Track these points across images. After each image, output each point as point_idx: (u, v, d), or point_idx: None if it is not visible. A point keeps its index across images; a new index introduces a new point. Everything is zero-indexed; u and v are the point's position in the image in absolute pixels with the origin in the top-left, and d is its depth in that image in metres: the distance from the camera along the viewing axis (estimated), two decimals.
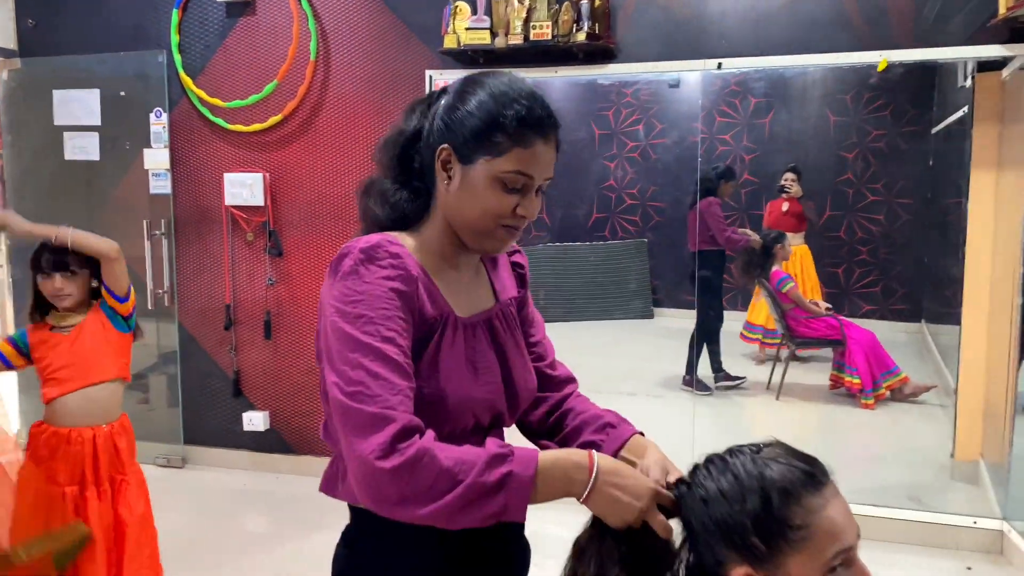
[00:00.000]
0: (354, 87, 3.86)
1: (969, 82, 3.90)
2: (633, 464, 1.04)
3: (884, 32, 3.31)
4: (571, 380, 1.27)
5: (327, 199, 3.93)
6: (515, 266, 1.26)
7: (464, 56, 3.59)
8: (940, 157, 6.95)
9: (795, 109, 8.17)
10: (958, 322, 4.07)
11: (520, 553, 1.18)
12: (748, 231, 5.70)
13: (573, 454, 0.98)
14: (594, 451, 0.99)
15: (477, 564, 1.09)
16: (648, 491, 0.95)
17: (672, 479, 0.99)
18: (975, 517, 3.17)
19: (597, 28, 3.45)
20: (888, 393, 5.05)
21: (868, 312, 7.63)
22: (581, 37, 3.40)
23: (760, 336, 6.25)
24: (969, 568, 2.92)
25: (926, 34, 3.26)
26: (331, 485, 1.12)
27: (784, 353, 5.48)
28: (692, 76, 7.76)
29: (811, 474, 0.89)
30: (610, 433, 1.16)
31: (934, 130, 7.12)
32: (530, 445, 1.22)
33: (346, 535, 1.14)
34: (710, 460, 0.95)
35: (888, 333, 5.39)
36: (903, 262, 7.95)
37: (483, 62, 3.62)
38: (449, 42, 3.52)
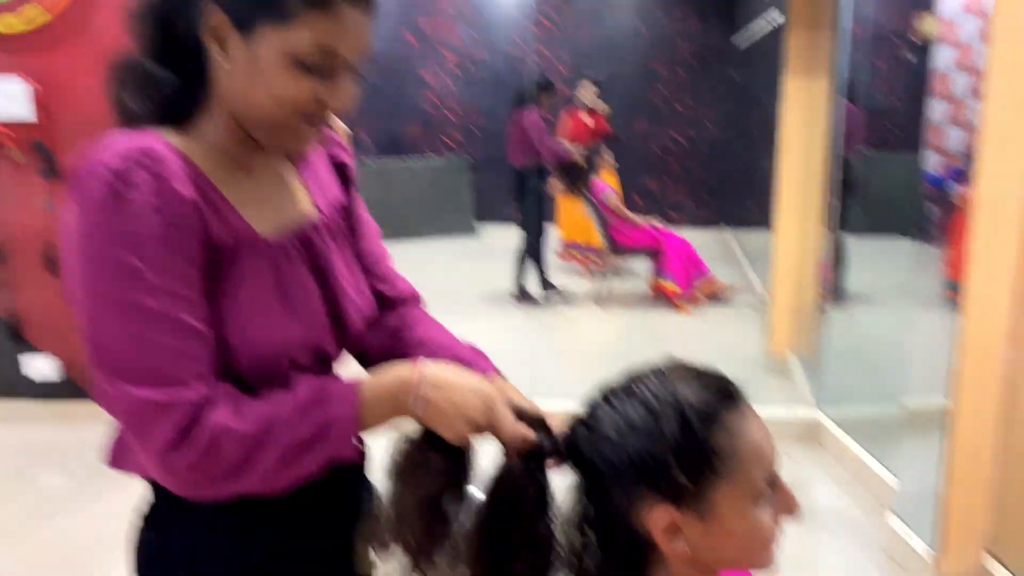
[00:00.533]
0: None
1: None
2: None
3: None
4: (414, 298, 1.05)
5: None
6: (336, 163, 1.01)
7: None
8: (747, 69, 7.25)
9: (610, 22, 8.19)
10: (766, 227, 4.27)
11: (364, 499, 1.00)
12: (567, 143, 5.67)
13: (398, 370, 0.81)
14: (422, 360, 0.82)
15: (313, 529, 0.90)
16: (489, 398, 0.80)
17: (556, 423, 0.84)
18: (791, 407, 3.37)
19: None
20: (703, 298, 5.30)
21: (678, 220, 7.99)
22: None
23: (577, 253, 6.35)
24: (787, 455, 3.12)
25: None
26: (120, 457, 0.87)
27: (607, 262, 5.58)
28: None
29: (727, 391, 0.77)
30: (471, 367, 0.96)
31: (741, 44, 7.37)
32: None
33: (150, 515, 0.90)
34: (610, 392, 0.80)
35: (697, 240, 5.62)
36: (712, 172, 8.36)
37: None
38: None
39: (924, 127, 6.96)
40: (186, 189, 0.77)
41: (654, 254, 5.31)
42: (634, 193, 7.49)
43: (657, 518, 0.74)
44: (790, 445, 3.22)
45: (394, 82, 8.10)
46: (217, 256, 0.80)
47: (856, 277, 4.93)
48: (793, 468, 3.04)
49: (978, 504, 2.19)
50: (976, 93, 5.82)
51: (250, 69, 0.77)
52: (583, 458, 0.78)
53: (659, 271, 5.29)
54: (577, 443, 0.79)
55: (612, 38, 8.21)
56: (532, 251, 5.33)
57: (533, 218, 5.27)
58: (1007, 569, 2.12)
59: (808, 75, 3.73)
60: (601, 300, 5.44)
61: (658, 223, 5.46)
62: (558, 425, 0.82)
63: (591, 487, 0.78)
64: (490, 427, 0.80)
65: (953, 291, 4.34)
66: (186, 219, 0.76)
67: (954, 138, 6.44)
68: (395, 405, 0.80)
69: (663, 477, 0.73)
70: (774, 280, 4.03)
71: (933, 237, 5.18)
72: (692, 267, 5.23)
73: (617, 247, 5.38)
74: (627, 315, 5.21)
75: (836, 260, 4.51)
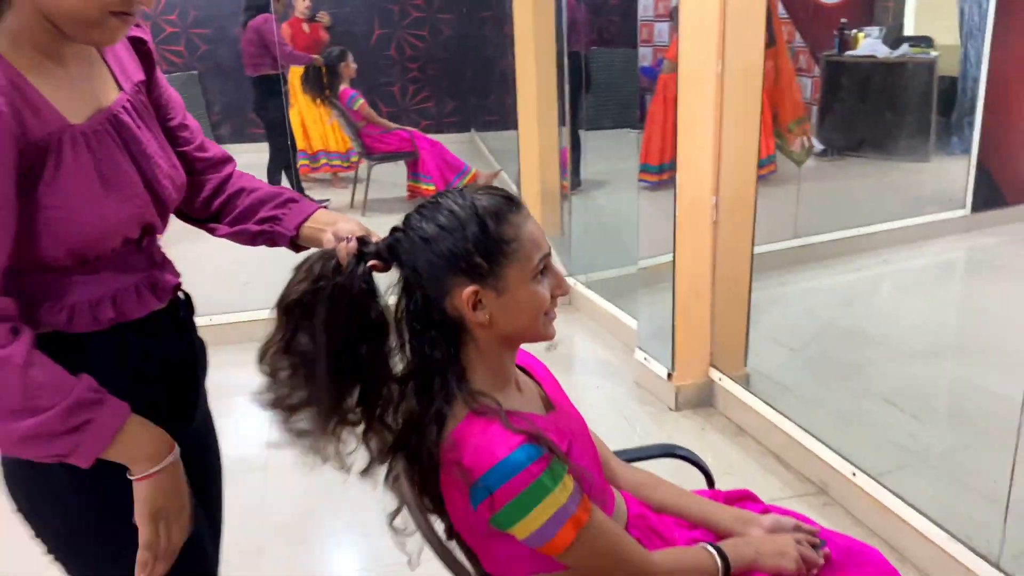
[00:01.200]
0: None
1: None
2: (326, 229, 1.04)
3: None
4: (228, 159, 1.13)
5: None
6: (135, 43, 1.04)
7: None
8: None
9: None
10: (506, 127, 4.55)
11: (201, 355, 1.11)
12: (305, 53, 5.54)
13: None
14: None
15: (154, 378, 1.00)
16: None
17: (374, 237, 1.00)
18: None
19: None
20: None
21: (426, 128, 8.14)
22: None
23: (325, 161, 6.28)
24: None
25: None
26: None
27: (363, 170, 5.63)
28: None
29: (510, 198, 0.99)
30: (292, 207, 1.10)
31: None
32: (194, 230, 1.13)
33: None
34: (420, 207, 0.98)
35: (447, 144, 5.81)
36: (451, 76, 8.53)
37: None
38: None
39: (637, 23, 7.59)
40: (3, 96, 0.79)
41: (409, 156, 5.44)
42: (377, 99, 7.48)
43: (465, 295, 0.95)
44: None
45: None
46: (34, 151, 0.83)
47: (592, 166, 5.44)
48: (559, 321, 3.43)
49: (700, 331, 2.67)
50: None
51: None
52: (403, 260, 0.96)
53: (414, 174, 5.44)
54: (397, 248, 0.97)
55: None
56: (284, 163, 5.23)
57: (279, 130, 5.16)
58: (723, 374, 2.64)
59: None
60: (361, 207, 5.51)
61: (409, 128, 5.58)
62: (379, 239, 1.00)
63: (410, 284, 0.97)
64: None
65: (646, 172, 4.95)
66: (3, 111, 0.79)
67: (659, 31, 7.12)
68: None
69: (468, 263, 0.94)
70: (522, 173, 4.35)
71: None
72: (447, 167, 5.43)
73: (371, 152, 5.44)
74: (389, 220, 5.33)
75: (573, 151, 4.95)
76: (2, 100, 0.80)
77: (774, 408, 2.42)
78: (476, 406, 0.97)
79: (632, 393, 2.82)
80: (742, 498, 1.29)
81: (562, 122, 4.24)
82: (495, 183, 5.59)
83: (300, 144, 6.05)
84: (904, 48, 6.27)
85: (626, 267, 3.46)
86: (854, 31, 6.56)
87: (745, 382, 2.63)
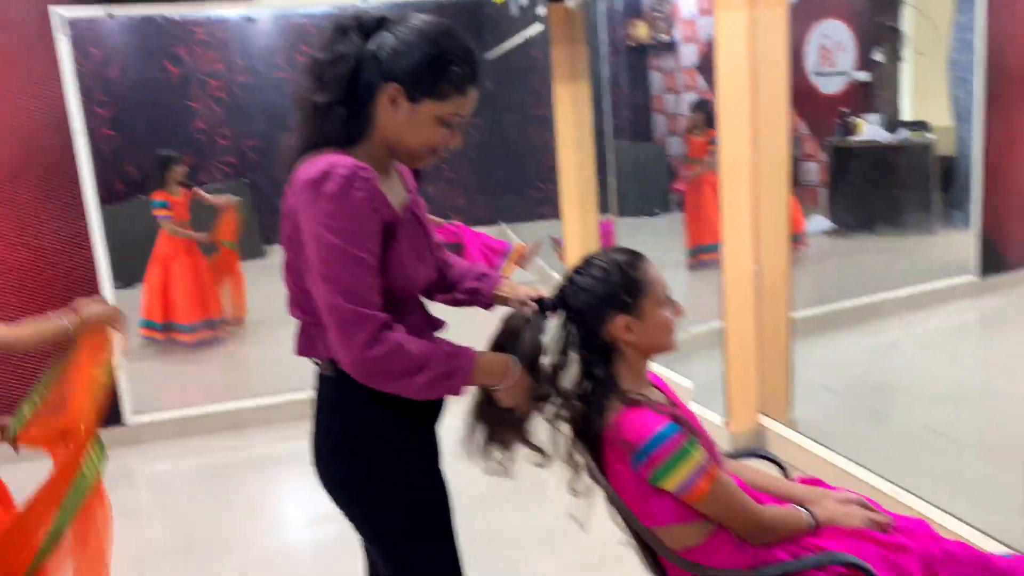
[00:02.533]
0: None
1: (542, 10, 4.77)
2: (512, 294, 1.48)
3: None
4: (440, 244, 1.59)
5: None
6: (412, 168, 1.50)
7: None
8: (502, 78, 8.10)
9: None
10: (535, 218, 5.00)
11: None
12: None
13: (502, 359, 1.35)
14: (511, 360, 1.36)
15: (429, 415, 1.42)
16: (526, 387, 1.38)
17: (546, 292, 1.44)
18: None
19: None
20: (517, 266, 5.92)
21: (462, 221, 8.69)
22: None
23: None
24: None
25: None
26: (305, 348, 1.34)
27: None
28: (265, 12, 7.80)
29: (637, 253, 1.43)
30: (484, 280, 1.55)
31: (490, 55, 8.20)
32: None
33: (328, 402, 1.36)
34: (577, 269, 1.42)
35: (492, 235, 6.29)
36: (482, 173, 9.16)
37: None
38: None
39: (657, 118, 8.22)
40: (377, 190, 1.23)
41: (456, 248, 5.92)
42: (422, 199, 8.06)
43: (618, 323, 1.38)
44: None
45: (161, 112, 8.01)
46: (387, 232, 1.26)
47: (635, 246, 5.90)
48: None
49: (749, 384, 3.04)
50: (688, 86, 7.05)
51: (412, 123, 1.27)
52: (569, 303, 1.39)
53: None
54: (565, 296, 1.40)
55: None
56: None
57: None
58: (772, 419, 3.01)
59: (572, 81, 4.54)
60: None
61: (455, 220, 6.09)
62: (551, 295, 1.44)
63: (575, 320, 1.39)
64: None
65: (692, 256, 5.42)
66: (377, 207, 1.23)
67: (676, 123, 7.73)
68: (490, 379, 1.34)
69: (617, 300, 1.37)
70: (567, 260, 4.82)
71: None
72: (491, 252, 5.91)
73: None
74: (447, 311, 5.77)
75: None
76: (380, 200, 1.24)
77: (821, 444, 2.78)
78: (629, 400, 1.37)
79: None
80: (816, 482, 1.66)
81: (602, 210, 4.74)
82: (531, 251, 6.05)
83: None
84: (902, 132, 6.83)
85: (680, 334, 3.86)
86: (855, 118, 7.14)
87: (792, 426, 2.99)
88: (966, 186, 5.23)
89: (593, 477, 1.44)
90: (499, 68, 8.08)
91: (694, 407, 3.22)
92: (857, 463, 2.62)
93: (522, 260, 6.04)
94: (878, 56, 7.52)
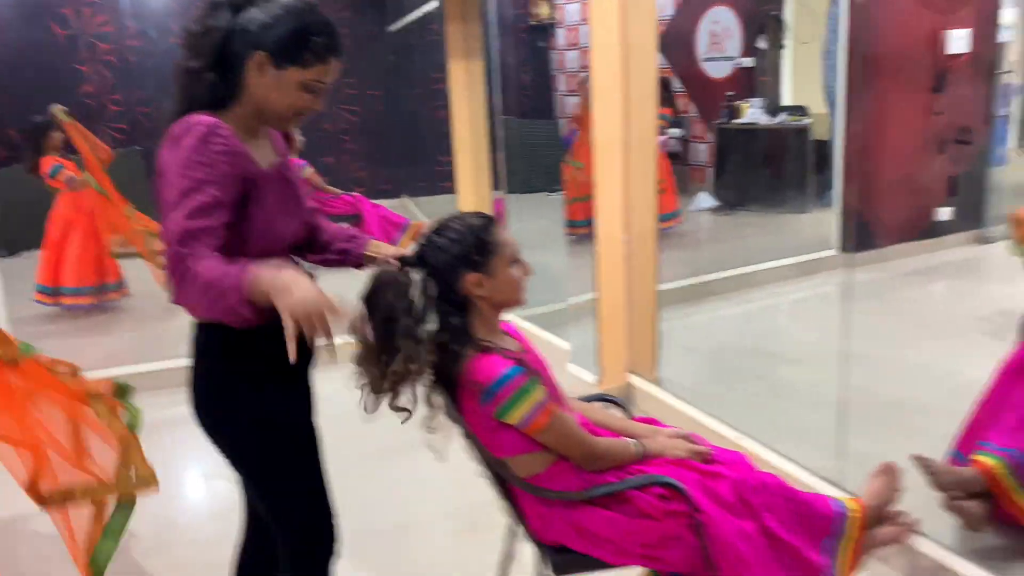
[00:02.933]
0: None
1: None
2: (377, 254, 1.64)
3: None
4: (314, 208, 1.72)
5: None
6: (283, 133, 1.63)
7: None
8: (401, 52, 8.15)
9: None
10: (436, 192, 5.16)
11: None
12: None
13: (273, 273, 1.33)
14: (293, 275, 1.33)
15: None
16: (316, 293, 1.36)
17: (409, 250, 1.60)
18: None
19: None
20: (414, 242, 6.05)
21: (362, 194, 8.71)
22: None
23: None
24: None
25: None
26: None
27: None
28: None
29: (490, 217, 1.61)
30: (354, 241, 1.69)
31: (392, 28, 8.24)
32: None
33: (201, 348, 1.48)
34: (435, 230, 1.58)
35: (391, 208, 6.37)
36: (384, 146, 9.19)
37: None
38: None
39: (555, 97, 8.46)
40: (237, 146, 1.37)
41: (355, 220, 5.99)
42: (315, 170, 8.05)
43: (471, 279, 1.55)
44: None
45: (45, 76, 7.70)
46: (248, 184, 1.40)
47: (521, 223, 6.12)
48: None
49: (619, 346, 3.29)
50: (584, 67, 7.31)
51: (278, 88, 1.40)
52: (428, 261, 1.56)
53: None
54: (425, 255, 1.58)
55: None
56: None
57: None
58: (640, 378, 3.28)
59: (466, 58, 4.68)
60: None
61: (355, 192, 6.15)
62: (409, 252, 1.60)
63: (434, 276, 1.56)
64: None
65: (570, 228, 5.65)
66: (233, 161, 1.36)
67: (571, 104, 7.98)
68: (268, 295, 1.30)
69: (470, 259, 1.55)
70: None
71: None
72: (390, 225, 6.01)
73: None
74: (338, 279, 5.85)
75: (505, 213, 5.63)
76: (240, 154, 1.37)
77: (681, 399, 3.06)
78: (480, 348, 1.56)
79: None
80: (651, 421, 1.90)
81: (494, 186, 4.92)
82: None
83: None
84: (782, 116, 7.28)
85: (558, 304, 4.11)
86: (739, 102, 7.55)
87: (658, 384, 3.27)
88: (842, 167, 5.66)
89: (450, 416, 1.62)
90: (401, 41, 8.13)
91: (571, 368, 3.47)
92: (711, 415, 2.91)
93: (419, 236, 6.14)
94: (762, 43, 7.96)
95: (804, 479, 2.43)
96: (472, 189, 4.91)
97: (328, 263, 1.71)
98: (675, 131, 7.28)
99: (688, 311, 4.47)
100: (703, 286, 4.76)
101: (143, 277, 4.92)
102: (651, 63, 3.03)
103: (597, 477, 1.63)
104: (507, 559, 1.94)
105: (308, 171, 5.91)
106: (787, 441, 2.68)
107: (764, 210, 6.85)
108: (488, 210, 4.94)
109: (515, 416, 1.52)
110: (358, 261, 1.70)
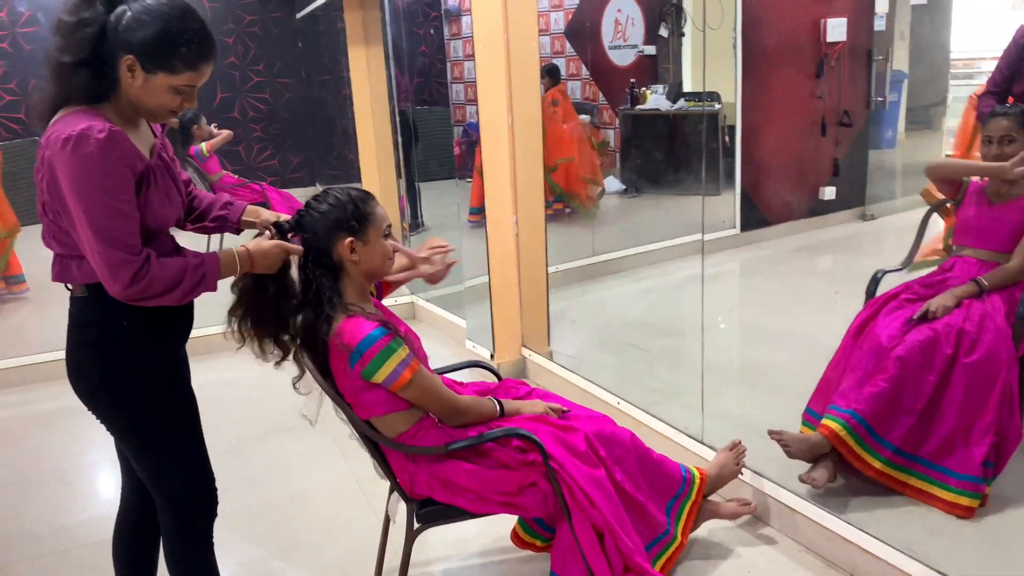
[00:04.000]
0: None
1: None
2: (256, 218, 1.73)
3: None
4: (189, 180, 1.78)
5: None
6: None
7: None
8: (309, 39, 8.09)
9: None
10: (349, 179, 5.21)
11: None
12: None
13: (229, 255, 1.57)
14: (240, 249, 1.58)
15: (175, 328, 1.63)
16: (277, 244, 1.63)
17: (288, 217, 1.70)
18: (395, 298, 4.43)
19: None
20: None
21: (273, 183, 8.64)
22: None
23: None
24: None
25: None
26: (62, 275, 1.52)
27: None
28: None
29: (367, 191, 1.71)
30: (231, 208, 1.77)
31: (299, 14, 8.17)
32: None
33: (77, 319, 1.54)
34: (316, 196, 1.68)
35: (301, 196, 6.36)
36: (293, 135, 9.12)
37: None
38: None
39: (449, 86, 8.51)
40: (131, 148, 1.42)
41: (263, 207, 5.97)
42: (224, 159, 7.95)
43: (345, 244, 1.65)
44: (406, 320, 4.28)
45: None
46: (139, 177, 1.46)
47: (426, 211, 6.22)
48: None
49: (512, 323, 3.43)
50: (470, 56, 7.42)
51: (148, 90, 1.44)
52: (306, 228, 1.66)
53: None
54: (303, 220, 1.67)
55: None
56: None
57: None
58: (532, 351, 3.43)
59: (367, 45, 4.73)
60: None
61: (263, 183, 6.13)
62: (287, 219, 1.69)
63: (309, 241, 1.66)
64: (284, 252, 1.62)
65: (473, 214, 5.77)
66: (131, 163, 1.42)
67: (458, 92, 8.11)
68: (234, 269, 1.57)
69: (346, 224, 1.65)
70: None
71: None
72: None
73: None
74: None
75: (410, 199, 5.73)
76: (131, 154, 1.43)
77: (570, 371, 3.23)
78: (350, 311, 1.67)
79: (465, 374, 3.55)
80: (519, 385, 2.04)
81: (399, 174, 4.99)
82: None
83: None
84: (681, 102, 7.55)
85: (456, 286, 4.24)
86: (642, 89, 7.79)
87: (550, 357, 3.43)
88: (738, 151, 5.92)
89: (316, 378, 1.72)
90: (310, 28, 8.07)
91: (469, 345, 3.60)
92: (595, 384, 3.08)
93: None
94: (663, 31, 8.22)
95: (671, 436, 2.62)
96: (377, 177, 4.97)
97: (207, 230, 1.79)
98: (584, 117, 7.46)
99: (587, 288, 4.66)
100: (603, 265, 4.96)
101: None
102: (533, 45, 3.16)
103: (458, 433, 1.76)
104: (387, 520, 2.06)
105: (206, 158, 5.88)
106: (660, 404, 2.86)
107: (665, 192, 7.10)
108: (395, 196, 5.02)
109: (381, 374, 1.63)
110: (236, 227, 1.78)
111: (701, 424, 2.58)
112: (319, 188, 8.90)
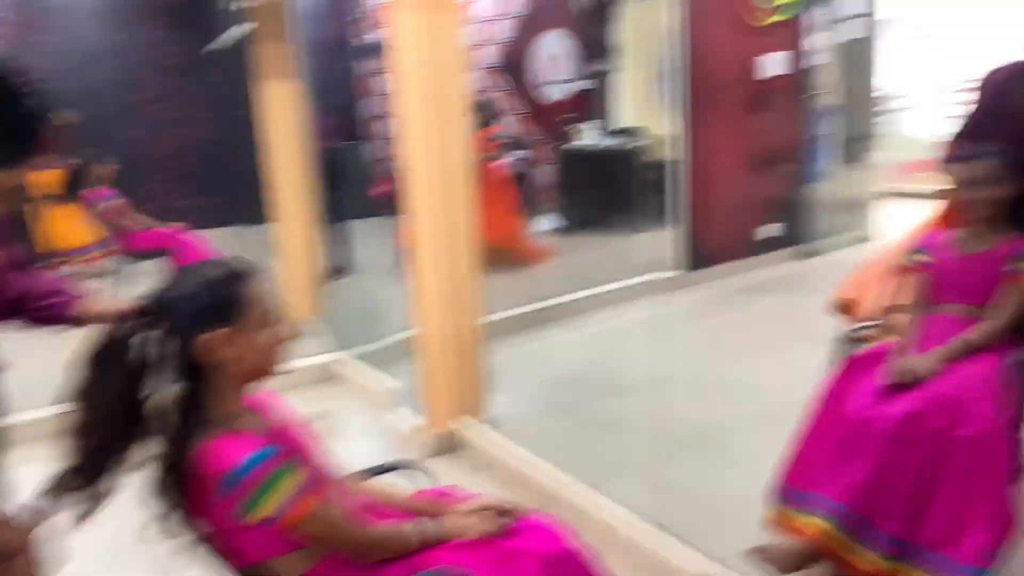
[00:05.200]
0: None
1: (244, 3, 4.54)
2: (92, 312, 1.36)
3: None
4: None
5: None
6: None
7: None
8: (227, 73, 7.64)
9: (79, 32, 7.83)
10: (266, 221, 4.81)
11: None
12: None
13: None
14: None
15: None
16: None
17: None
18: (321, 356, 4.00)
19: None
20: None
21: (193, 224, 8.09)
22: None
23: (78, 258, 6.04)
24: (319, 391, 3.74)
25: None
26: None
27: (114, 265, 5.60)
28: None
29: (244, 266, 1.35)
30: (62, 295, 1.44)
31: (207, 48, 7.74)
32: None
33: None
34: (165, 284, 1.31)
35: (214, 239, 5.90)
36: (212, 173, 8.60)
37: None
38: None
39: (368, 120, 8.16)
40: None
41: (167, 254, 5.50)
42: (140, 199, 7.41)
43: (217, 335, 1.28)
44: (323, 383, 3.89)
45: None
46: None
47: (355, 252, 5.83)
48: (327, 395, 3.74)
49: (444, 387, 3.06)
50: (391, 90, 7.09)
51: None
52: (162, 318, 1.29)
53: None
54: (148, 310, 1.30)
55: (86, 50, 7.88)
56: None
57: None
58: (471, 418, 3.07)
59: (281, 80, 4.37)
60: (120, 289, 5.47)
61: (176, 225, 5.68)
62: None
63: (165, 338, 1.29)
64: None
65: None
66: None
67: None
68: None
69: (219, 313, 1.29)
70: (286, 264, 4.66)
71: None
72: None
73: (130, 251, 5.47)
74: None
75: (334, 242, 5.36)
76: None
77: (512, 440, 2.89)
78: (216, 430, 1.29)
79: (395, 441, 3.20)
80: (446, 493, 1.68)
81: (319, 216, 4.63)
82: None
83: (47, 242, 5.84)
84: (613, 139, 7.38)
85: (386, 341, 3.87)
86: (576, 124, 7.60)
87: (490, 423, 3.08)
88: (672, 189, 5.73)
89: (178, 520, 1.34)
90: (226, 62, 7.63)
91: (400, 412, 3.23)
92: (541, 456, 2.75)
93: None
94: (597, 67, 8.08)
95: (627, 519, 2.31)
96: (295, 217, 4.58)
97: (35, 321, 1.44)
98: (520, 152, 7.21)
99: (526, 339, 4.35)
100: (541, 312, 4.66)
101: None
102: (459, 82, 2.85)
103: (383, 571, 1.40)
104: None
105: (106, 205, 5.41)
106: (611, 480, 2.55)
107: (602, 231, 6.88)
108: (315, 238, 4.64)
109: (266, 509, 1.26)
110: (74, 319, 1.42)
111: (657, 501, 2.27)
112: (239, 228, 8.41)
